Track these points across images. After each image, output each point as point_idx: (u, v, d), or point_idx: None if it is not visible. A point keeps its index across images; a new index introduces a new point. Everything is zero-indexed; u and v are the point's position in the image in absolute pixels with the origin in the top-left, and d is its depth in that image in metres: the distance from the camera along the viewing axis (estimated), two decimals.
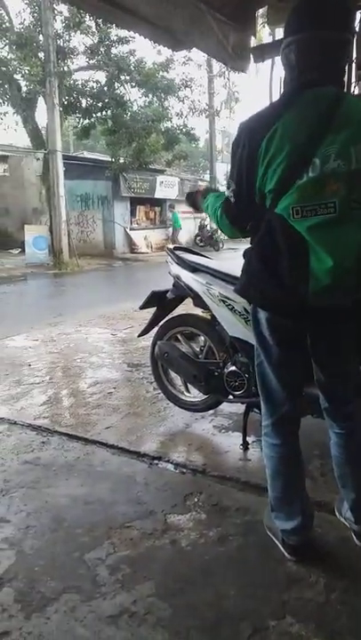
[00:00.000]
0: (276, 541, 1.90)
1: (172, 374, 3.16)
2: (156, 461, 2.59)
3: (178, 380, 3.18)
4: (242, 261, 1.76)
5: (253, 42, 3.85)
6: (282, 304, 1.62)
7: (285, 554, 1.85)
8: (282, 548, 1.87)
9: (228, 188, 1.69)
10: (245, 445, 2.69)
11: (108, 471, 2.51)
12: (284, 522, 1.84)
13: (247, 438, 2.71)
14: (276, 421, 1.81)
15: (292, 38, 1.56)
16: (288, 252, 1.54)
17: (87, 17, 12.88)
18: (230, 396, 2.75)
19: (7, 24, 14.16)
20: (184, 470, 2.51)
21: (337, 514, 2.03)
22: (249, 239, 1.73)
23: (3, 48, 14.31)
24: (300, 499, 1.85)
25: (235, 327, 2.55)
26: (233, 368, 2.67)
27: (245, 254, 1.74)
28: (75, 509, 2.18)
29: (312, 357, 1.74)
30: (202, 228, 21.03)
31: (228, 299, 2.54)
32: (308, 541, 1.87)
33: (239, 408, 3.00)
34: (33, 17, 13.88)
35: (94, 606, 1.65)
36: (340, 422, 1.80)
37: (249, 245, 1.74)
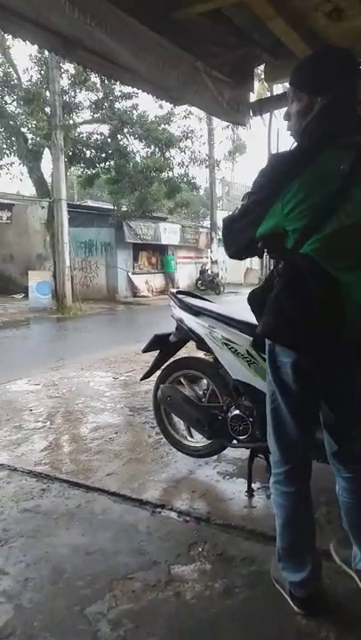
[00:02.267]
0: (284, 594, 1.83)
1: (175, 418, 3.13)
2: (158, 509, 2.53)
3: (181, 424, 3.15)
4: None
5: (252, 97, 4.02)
6: (316, 345, 1.61)
7: (294, 607, 1.78)
8: (290, 601, 1.80)
9: (242, 200, 1.68)
10: (250, 492, 2.64)
11: (109, 520, 2.45)
12: (293, 573, 1.78)
13: (252, 485, 2.66)
14: (292, 469, 1.75)
15: (325, 90, 1.61)
16: (320, 292, 1.55)
17: (92, 75, 13.52)
18: (234, 441, 2.71)
19: (15, 81, 14.87)
20: (188, 518, 2.45)
21: (340, 563, 1.95)
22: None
23: (11, 103, 14.98)
24: (310, 549, 1.79)
25: (238, 370, 2.55)
26: (237, 412, 2.64)
27: (256, 297, 1.74)
28: (75, 560, 2.12)
29: (326, 399, 1.73)
30: (203, 272, 21.32)
31: (231, 342, 2.55)
32: (318, 593, 1.81)
33: (243, 453, 2.96)
34: (40, 74, 14.58)
35: None
36: (351, 465, 1.77)
37: (253, 288, 1.76)
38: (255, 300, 1.77)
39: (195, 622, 1.75)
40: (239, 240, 1.70)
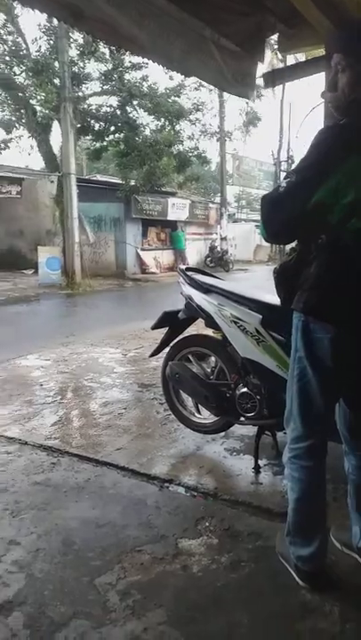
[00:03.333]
0: (289, 568, 1.86)
1: (183, 395, 3.15)
2: (167, 484, 2.57)
3: (189, 401, 3.17)
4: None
5: (263, 68, 3.91)
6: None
7: (299, 581, 1.81)
8: (295, 576, 1.83)
9: (285, 178, 1.63)
10: (257, 469, 2.66)
11: (118, 494, 2.49)
12: (301, 548, 1.80)
13: (259, 461, 2.68)
14: (313, 444, 1.76)
15: None
16: None
17: (102, 45, 13.21)
18: (242, 418, 2.73)
19: (24, 51, 14.58)
20: (195, 494, 2.48)
21: (341, 547, 1.98)
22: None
23: (20, 74, 14.72)
24: (320, 524, 1.81)
25: (247, 348, 2.55)
26: (245, 390, 2.65)
27: (286, 272, 1.72)
28: (85, 532, 2.16)
29: (359, 373, 1.72)
30: (212, 249, 21.18)
31: (240, 319, 2.54)
32: (323, 568, 1.83)
33: (250, 430, 2.98)
34: (49, 44, 14.29)
35: (104, 633, 1.62)
36: None
37: (283, 261, 1.74)
38: (285, 275, 1.74)
39: (201, 595, 1.79)
40: (284, 217, 1.62)
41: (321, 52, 3.53)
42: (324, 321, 1.63)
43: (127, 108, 15.37)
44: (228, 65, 3.50)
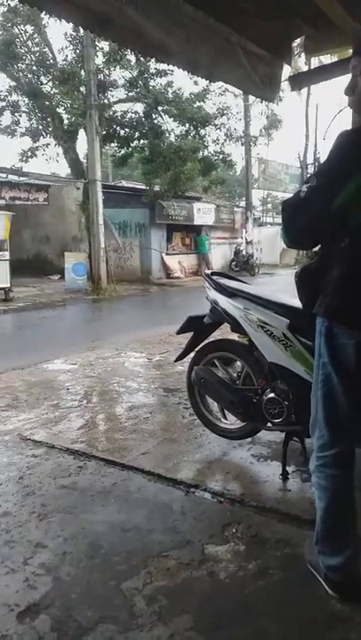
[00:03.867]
0: (319, 577, 1.82)
1: (209, 400, 3.13)
2: (192, 489, 2.55)
3: (215, 406, 3.15)
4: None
5: (290, 71, 3.89)
6: None
7: (328, 590, 1.77)
8: (324, 585, 1.79)
9: (306, 182, 1.62)
10: (285, 475, 2.62)
11: (144, 498, 2.49)
12: (330, 557, 1.76)
13: (287, 468, 2.64)
14: (341, 451, 1.73)
15: None
16: None
17: (128, 51, 13.35)
18: (269, 424, 2.70)
19: (51, 60, 14.87)
20: (222, 499, 2.46)
21: None
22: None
23: (47, 83, 15.01)
24: (349, 533, 1.77)
25: (274, 353, 2.52)
26: (272, 395, 2.62)
27: (308, 275, 1.71)
28: (111, 536, 2.16)
29: None
30: (237, 252, 21.11)
31: (267, 324, 2.52)
32: (353, 578, 1.79)
33: (278, 436, 2.94)
34: (75, 53, 14.52)
35: (131, 638, 1.61)
36: None
37: (305, 265, 1.72)
38: (307, 278, 1.73)
39: (228, 601, 1.77)
40: (305, 222, 1.62)
41: (349, 52, 3.49)
42: (347, 325, 1.61)
43: (152, 114, 15.48)
44: (256, 69, 3.50)
